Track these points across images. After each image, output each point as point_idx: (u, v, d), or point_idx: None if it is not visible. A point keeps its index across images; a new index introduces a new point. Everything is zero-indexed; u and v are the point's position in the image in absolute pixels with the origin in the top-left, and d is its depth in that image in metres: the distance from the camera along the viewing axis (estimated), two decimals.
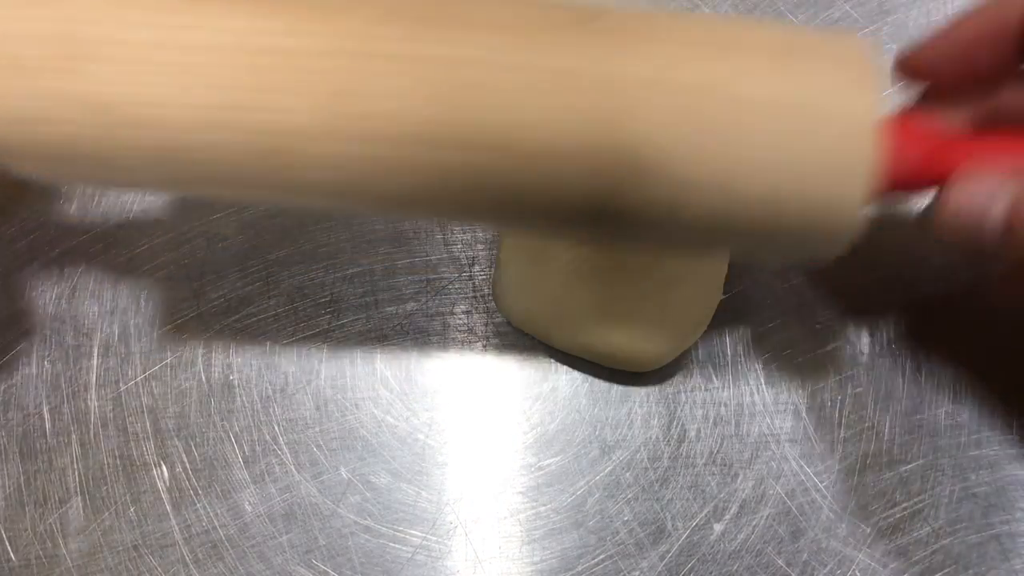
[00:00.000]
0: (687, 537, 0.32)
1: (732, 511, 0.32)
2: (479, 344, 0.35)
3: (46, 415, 0.34)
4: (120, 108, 0.22)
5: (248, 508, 0.33)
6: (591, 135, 0.23)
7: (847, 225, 0.24)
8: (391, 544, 0.32)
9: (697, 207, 0.24)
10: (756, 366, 0.34)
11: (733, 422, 0.33)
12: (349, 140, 0.23)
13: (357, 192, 0.24)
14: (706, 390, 0.34)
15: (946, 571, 0.31)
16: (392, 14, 0.23)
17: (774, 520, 0.32)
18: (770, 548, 0.32)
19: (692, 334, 0.32)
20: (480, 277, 0.35)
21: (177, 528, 0.33)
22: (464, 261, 0.36)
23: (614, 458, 0.33)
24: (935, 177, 0.25)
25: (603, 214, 0.24)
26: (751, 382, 0.34)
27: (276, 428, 0.34)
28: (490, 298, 0.35)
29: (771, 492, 0.32)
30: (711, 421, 0.33)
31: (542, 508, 0.33)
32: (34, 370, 0.35)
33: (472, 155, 0.23)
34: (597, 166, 0.23)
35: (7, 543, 0.33)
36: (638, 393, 0.34)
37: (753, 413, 0.33)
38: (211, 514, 0.33)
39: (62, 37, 0.22)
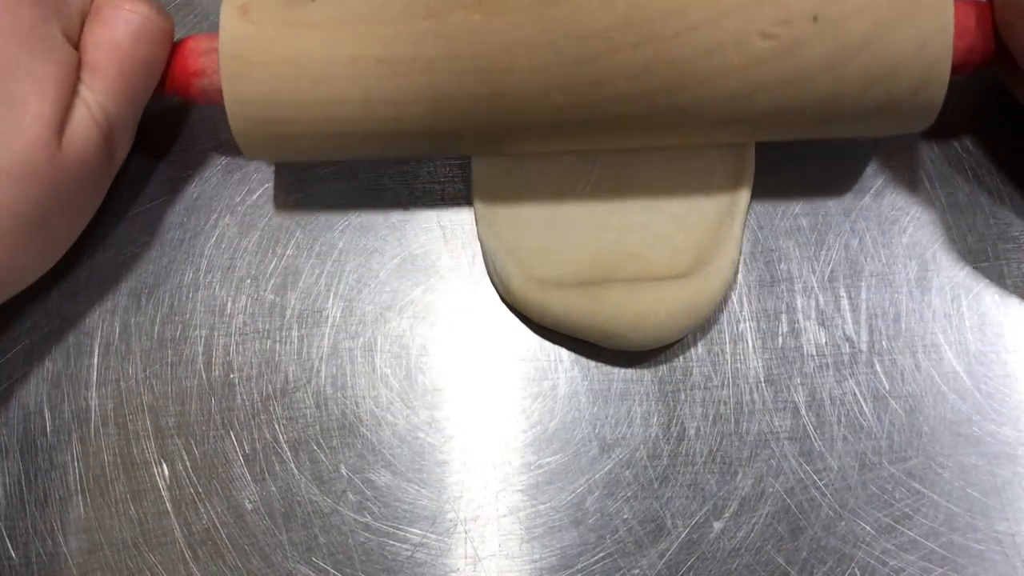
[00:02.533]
0: (687, 535, 0.32)
1: (731, 509, 0.32)
2: (479, 343, 0.35)
3: (47, 413, 0.34)
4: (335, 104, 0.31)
5: (248, 506, 0.33)
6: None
7: (935, 94, 0.29)
8: (391, 542, 0.32)
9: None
10: (756, 365, 0.34)
11: (733, 420, 0.33)
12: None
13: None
14: (706, 388, 0.34)
15: (945, 569, 0.31)
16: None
17: (773, 518, 0.32)
18: (769, 546, 0.32)
19: (701, 307, 0.33)
20: (479, 272, 0.35)
21: (177, 526, 0.33)
22: (465, 261, 0.36)
23: (613, 456, 0.33)
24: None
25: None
26: (751, 380, 0.34)
27: (276, 426, 0.34)
28: (491, 298, 0.35)
29: (771, 490, 0.32)
30: (711, 419, 0.33)
31: (541, 506, 0.33)
32: (35, 368, 0.35)
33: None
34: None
35: (7, 541, 0.33)
36: (638, 391, 0.34)
37: (753, 411, 0.33)
38: (211, 512, 0.33)
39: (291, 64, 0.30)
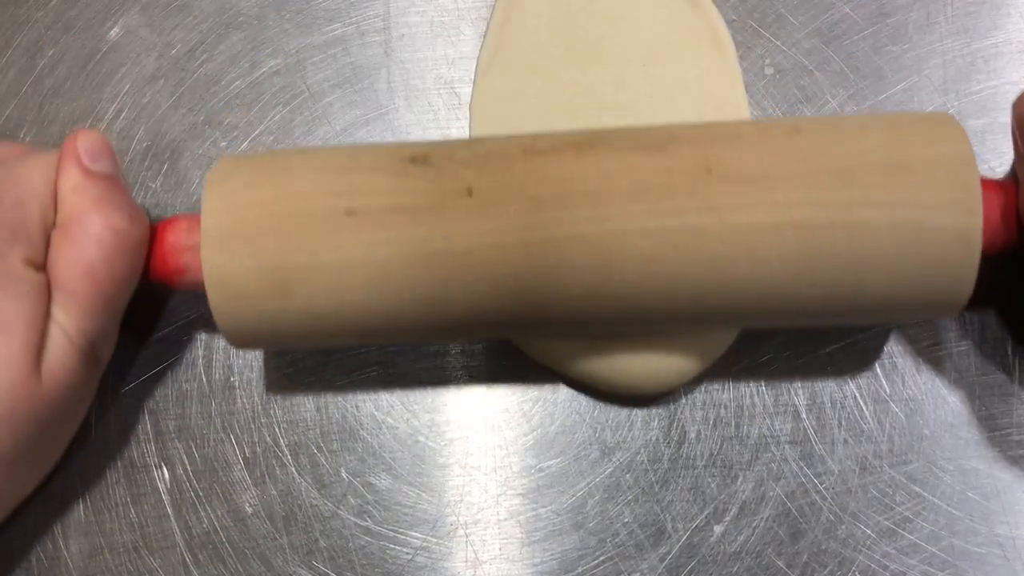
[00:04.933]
0: (687, 539, 0.32)
1: (732, 513, 0.32)
2: (479, 345, 0.35)
3: None
4: (325, 316, 0.28)
5: (249, 510, 0.33)
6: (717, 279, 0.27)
7: (960, 295, 0.28)
8: (391, 546, 0.33)
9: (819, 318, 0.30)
10: (756, 367, 0.34)
11: (733, 423, 0.33)
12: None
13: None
14: (706, 391, 0.34)
15: (946, 573, 0.31)
16: None
17: (774, 522, 0.32)
18: (770, 550, 0.32)
19: (710, 352, 0.32)
20: None
21: (178, 530, 0.33)
22: None
23: (614, 460, 0.33)
24: None
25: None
26: (751, 383, 0.34)
27: (277, 430, 0.34)
28: None
29: (771, 494, 0.32)
30: (711, 423, 0.33)
31: (542, 510, 0.33)
32: None
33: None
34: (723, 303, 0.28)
35: (8, 544, 0.33)
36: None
37: (753, 415, 0.33)
38: (212, 516, 0.33)
39: (274, 268, 0.28)
